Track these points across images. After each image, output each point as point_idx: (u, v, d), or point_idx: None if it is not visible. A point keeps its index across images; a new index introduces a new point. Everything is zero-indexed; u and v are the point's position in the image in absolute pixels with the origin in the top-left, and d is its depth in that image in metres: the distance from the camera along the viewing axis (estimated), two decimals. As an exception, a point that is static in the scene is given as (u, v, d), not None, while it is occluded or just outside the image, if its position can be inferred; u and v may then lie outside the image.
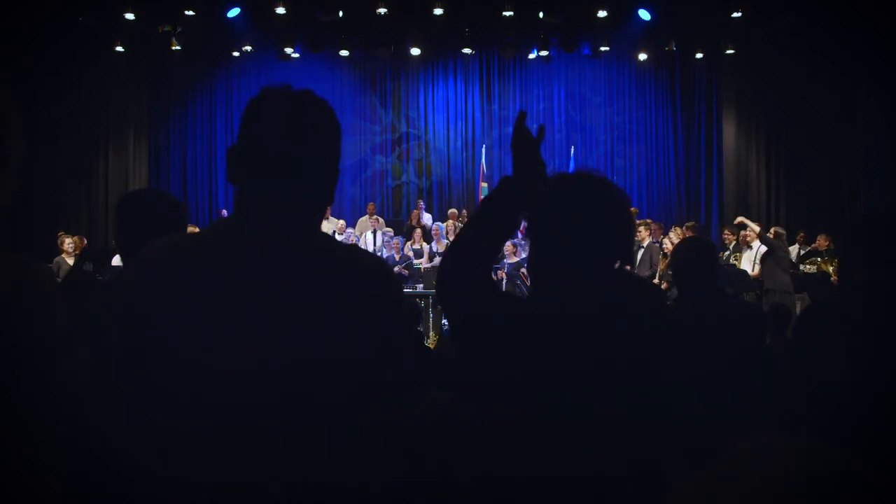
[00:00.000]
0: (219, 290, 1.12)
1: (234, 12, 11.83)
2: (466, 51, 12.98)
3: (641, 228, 10.00)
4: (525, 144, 1.44)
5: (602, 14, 11.30)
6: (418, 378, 1.25)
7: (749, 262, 9.22)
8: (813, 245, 10.45)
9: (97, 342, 1.20)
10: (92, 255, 9.96)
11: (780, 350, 2.85)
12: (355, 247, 1.32)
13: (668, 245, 9.19)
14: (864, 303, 1.77)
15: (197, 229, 9.24)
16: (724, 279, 7.42)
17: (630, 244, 1.35)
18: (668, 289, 8.38)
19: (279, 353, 1.10)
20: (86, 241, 10.30)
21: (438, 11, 11.18)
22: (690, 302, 2.75)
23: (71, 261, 9.06)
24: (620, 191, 1.35)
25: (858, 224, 1.95)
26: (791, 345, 1.92)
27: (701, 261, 2.76)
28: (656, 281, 8.72)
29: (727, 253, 9.59)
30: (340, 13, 11.77)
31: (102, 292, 1.59)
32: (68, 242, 9.13)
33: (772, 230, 9.51)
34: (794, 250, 10.62)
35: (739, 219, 9.33)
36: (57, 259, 8.99)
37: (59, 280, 8.64)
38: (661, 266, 9.03)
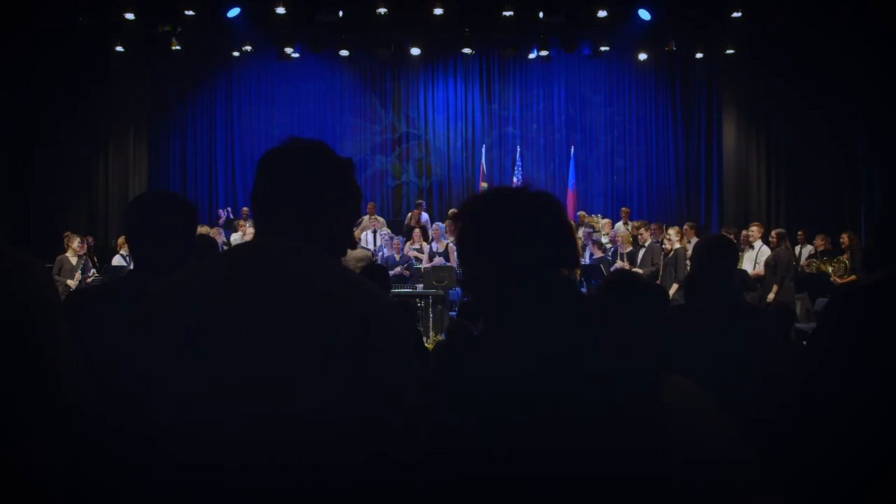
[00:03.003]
0: (221, 323, 1.18)
1: (234, 12, 11.83)
2: (466, 51, 12.98)
3: (642, 230, 10.02)
4: None
5: (602, 14, 11.30)
6: (417, 408, 1.24)
7: (750, 262, 9.22)
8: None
9: (101, 355, 1.22)
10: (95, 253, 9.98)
11: (785, 352, 2.82)
12: (360, 287, 1.31)
13: (666, 246, 9.18)
14: (887, 298, 1.76)
15: (207, 229, 9.28)
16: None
17: (571, 250, 1.33)
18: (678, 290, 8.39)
19: (276, 385, 1.14)
20: (92, 241, 10.29)
21: (438, 11, 11.17)
22: (704, 303, 2.70)
23: (74, 260, 9.06)
24: (547, 196, 1.33)
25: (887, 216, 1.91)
26: (810, 338, 1.90)
27: (717, 260, 2.71)
28: (658, 282, 8.71)
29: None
30: (340, 13, 11.77)
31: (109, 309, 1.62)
32: (77, 242, 9.13)
33: (773, 232, 9.48)
34: (796, 251, 10.61)
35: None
36: (60, 257, 8.99)
37: (60, 278, 8.65)
38: (662, 266, 9.03)
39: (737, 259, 2.88)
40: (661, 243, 9.38)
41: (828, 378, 1.78)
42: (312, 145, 1.36)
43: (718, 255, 2.72)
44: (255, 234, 1.34)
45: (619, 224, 11.84)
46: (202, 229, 9.24)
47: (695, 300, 2.91)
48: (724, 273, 2.69)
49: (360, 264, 7.56)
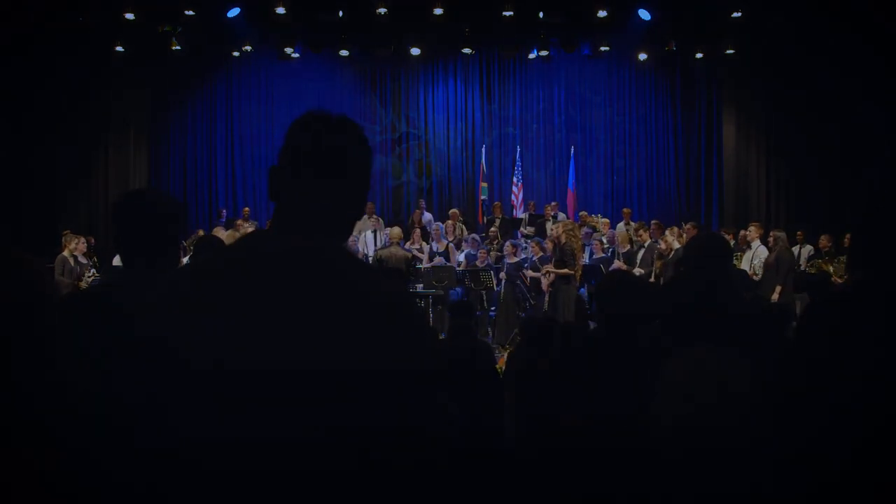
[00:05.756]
0: (240, 307, 1.15)
1: (234, 12, 11.82)
2: (466, 51, 12.97)
3: (641, 232, 10.03)
4: None
5: (602, 14, 11.29)
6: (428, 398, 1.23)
7: (747, 262, 9.22)
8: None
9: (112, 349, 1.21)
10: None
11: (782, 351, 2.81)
12: (376, 272, 1.30)
13: (662, 245, 9.20)
14: (868, 300, 1.76)
15: (201, 232, 9.26)
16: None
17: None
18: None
19: (294, 371, 1.12)
20: (93, 241, 10.27)
21: (438, 11, 11.17)
22: (697, 302, 2.68)
23: (73, 260, 9.06)
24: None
25: (866, 218, 1.92)
26: (793, 343, 1.91)
27: (709, 259, 2.68)
28: (652, 280, 8.73)
29: (727, 253, 9.56)
30: (340, 13, 11.77)
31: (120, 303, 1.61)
32: (76, 242, 9.13)
33: (771, 234, 9.46)
34: (795, 251, 10.60)
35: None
36: (60, 257, 8.98)
37: (64, 279, 8.66)
38: (657, 265, 9.04)
39: (730, 258, 2.84)
40: (658, 243, 9.40)
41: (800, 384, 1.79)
42: (345, 116, 1.30)
43: (710, 253, 2.69)
44: (273, 228, 1.30)
45: (621, 224, 11.84)
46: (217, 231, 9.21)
47: (688, 299, 2.90)
48: (715, 271, 2.66)
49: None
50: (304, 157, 1.26)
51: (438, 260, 10.50)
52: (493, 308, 9.94)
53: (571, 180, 13.74)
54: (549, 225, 11.94)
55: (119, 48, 11.88)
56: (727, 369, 1.36)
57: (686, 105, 14.11)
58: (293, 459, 1.10)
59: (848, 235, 9.56)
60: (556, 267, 8.50)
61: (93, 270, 9.41)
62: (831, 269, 9.53)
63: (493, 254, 10.67)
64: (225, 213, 13.31)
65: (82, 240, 9.42)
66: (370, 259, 9.69)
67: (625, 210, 12.77)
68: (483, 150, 13.99)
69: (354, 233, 11.95)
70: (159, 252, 1.89)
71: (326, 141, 1.26)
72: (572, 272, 8.37)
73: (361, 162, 1.30)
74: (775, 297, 8.33)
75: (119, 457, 1.15)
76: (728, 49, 12.32)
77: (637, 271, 9.09)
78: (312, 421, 1.10)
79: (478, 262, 10.15)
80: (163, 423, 1.12)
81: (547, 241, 9.44)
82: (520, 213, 13.36)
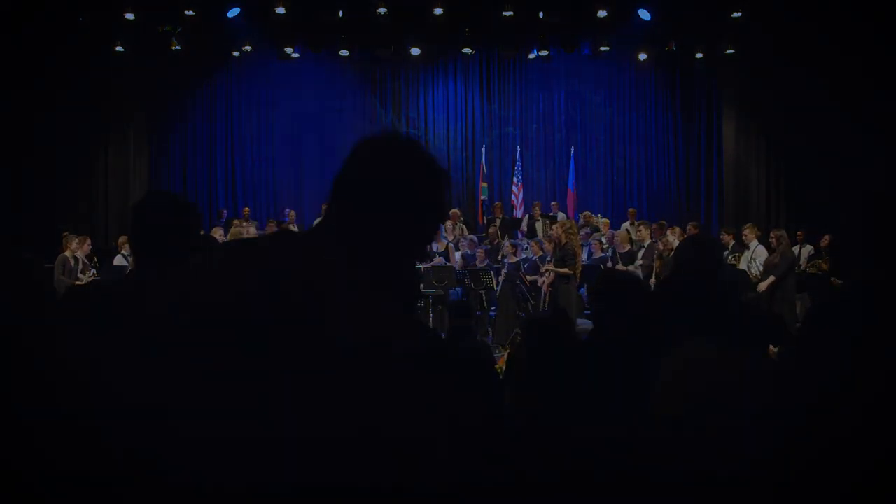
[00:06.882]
0: (237, 304, 1.13)
1: (234, 12, 11.83)
2: (466, 51, 12.98)
3: (641, 228, 10.03)
4: None
5: (602, 14, 11.30)
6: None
7: (745, 262, 9.23)
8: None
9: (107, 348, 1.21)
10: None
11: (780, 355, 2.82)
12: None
13: (660, 245, 9.20)
14: (867, 302, 1.77)
15: (201, 232, 9.23)
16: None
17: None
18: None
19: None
20: (89, 241, 10.27)
21: (438, 11, 11.18)
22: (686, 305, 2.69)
23: (73, 261, 9.07)
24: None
25: (857, 217, 1.92)
26: (793, 348, 1.91)
27: (699, 260, 2.69)
28: (652, 281, 8.73)
29: (726, 253, 9.58)
30: (340, 13, 11.78)
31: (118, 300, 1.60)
32: (76, 242, 9.14)
33: (773, 234, 9.43)
34: (795, 251, 10.60)
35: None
36: (60, 257, 8.99)
37: (65, 279, 8.66)
38: (656, 265, 9.04)
39: (721, 258, 2.86)
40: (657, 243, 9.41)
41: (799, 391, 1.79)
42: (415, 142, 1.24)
43: (700, 254, 2.70)
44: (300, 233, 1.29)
45: (626, 224, 11.83)
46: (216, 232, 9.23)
47: (683, 298, 2.91)
48: (707, 271, 2.66)
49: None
50: (354, 182, 1.20)
51: (438, 260, 10.51)
52: (493, 308, 9.94)
53: (571, 180, 13.74)
54: (538, 224, 11.96)
55: (119, 48, 11.88)
56: (725, 368, 1.37)
57: (686, 105, 14.12)
58: (293, 461, 1.10)
59: (827, 236, 9.60)
60: (557, 266, 8.51)
61: (93, 270, 9.41)
62: (831, 269, 9.53)
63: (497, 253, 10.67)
64: (225, 213, 13.31)
65: (88, 241, 9.43)
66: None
67: (630, 210, 12.75)
68: (483, 150, 14.00)
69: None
70: (173, 254, 1.89)
71: (380, 168, 1.19)
72: (572, 272, 8.38)
73: (414, 195, 1.21)
74: (763, 286, 8.30)
75: (118, 457, 1.16)
76: (728, 49, 12.32)
77: (636, 271, 9.10)
78: (312, 420, 1.11)
79: (477, 262, 10.16)
80: (164, 423, 1.12)
81: (546, 241, 9.45)
82: (520, 213, 13.37)
